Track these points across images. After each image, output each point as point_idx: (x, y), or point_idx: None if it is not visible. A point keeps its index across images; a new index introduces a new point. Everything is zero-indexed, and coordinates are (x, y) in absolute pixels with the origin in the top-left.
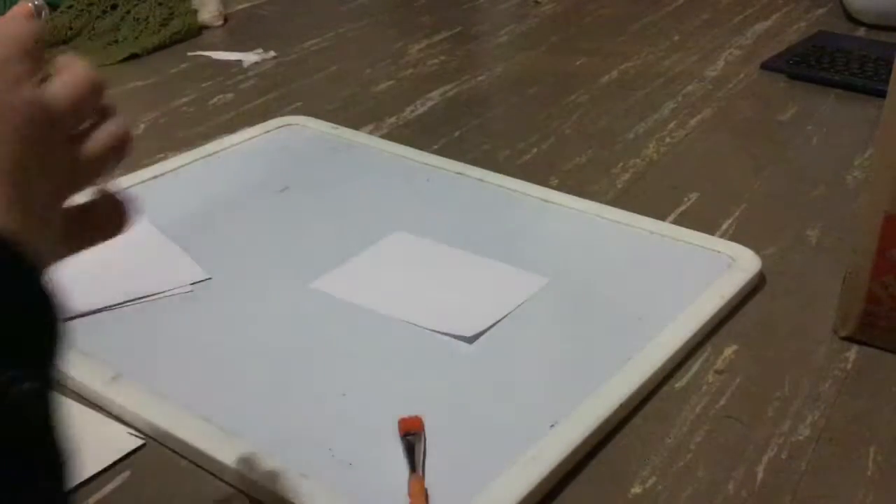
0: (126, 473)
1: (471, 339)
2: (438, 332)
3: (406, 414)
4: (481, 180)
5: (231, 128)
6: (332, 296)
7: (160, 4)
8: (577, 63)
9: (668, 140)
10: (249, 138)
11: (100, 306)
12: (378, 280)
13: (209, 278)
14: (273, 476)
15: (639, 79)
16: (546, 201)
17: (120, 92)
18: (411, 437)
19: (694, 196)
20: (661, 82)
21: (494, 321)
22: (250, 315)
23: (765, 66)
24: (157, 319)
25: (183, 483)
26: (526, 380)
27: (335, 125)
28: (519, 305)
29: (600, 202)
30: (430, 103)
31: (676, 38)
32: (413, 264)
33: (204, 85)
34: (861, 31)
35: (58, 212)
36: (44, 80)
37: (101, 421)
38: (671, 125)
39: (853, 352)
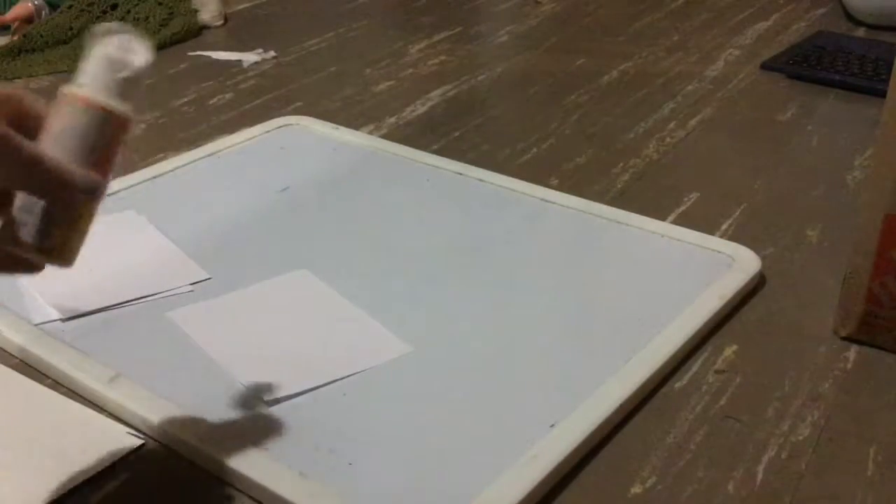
0: (126, 473)
1: (269, 403)
2: (243, 385)
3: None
4: (481, 180)
5: (231, 128)
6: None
7: (160, 4)
8: (577, 63)
9: (668, 140)
10: (249, 138)
11: (100, 306)
12: (234, 321)
13: (209, 278)
14: (273, 476)
15: (639, 79)
16: (546, 201)
17: None
18: None
19: (694, 196)
20: (661, 82)
21: (301, 390)
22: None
23: (765, 66)
24: (157, 319)
25: (183, 483)
26: (526, 380)
27: (335, 125)
28: (348, 375)
29: (600, 202)
30: (430, 103)
31: (676, 38)
32: (284, 310)
33: (204, 85)
34: (861, 31)
35: None
36: None
37: (101, 421)
38: (671, 125)
39: (853, 352)
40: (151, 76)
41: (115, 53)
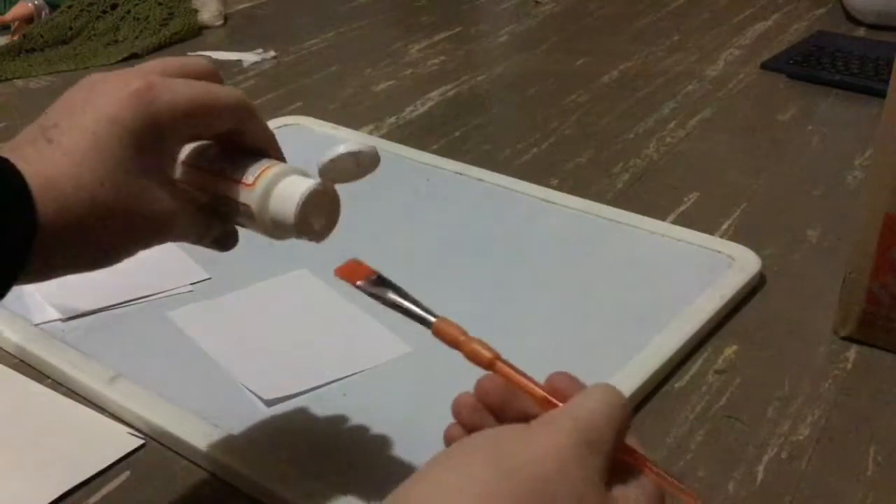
0: (126, 473)
1: (269, 403)
2: (243, 385)
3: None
4: (481, 180)
5: None
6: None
7: (160, 4)
8: (577, 63)
9: (668, 140)
10: None
11: (100, 306)
12: (234, 321)
13: (209, 278)
14: (273, 476)
15: (639, 79)
16: (546, 201)
17: None
18: (375, 280)
19: (694, 196)
20: (661, 82)
21: (301, 390)
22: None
23: (765, 66)
24: (157, 319)
25: (183, 483)
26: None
27: (335, 125)
28: (352, 374)
29: (600, 202)
30: (430, 103)
31: (676, 38)
32: (284, 310)
33: None
34: (861, 31)
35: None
36: None
37: (101, 421)
38: (671, 125)
39: (853, 352)
40: None
41: (300, 214)
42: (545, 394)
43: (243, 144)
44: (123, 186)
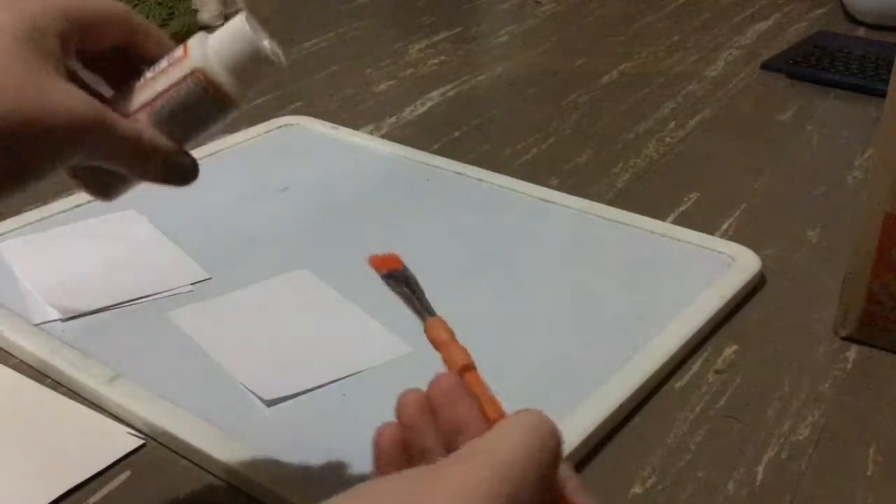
0: (126, 473)
1: (269, 403)
2: (243, 385)
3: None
4: (481, 180)
5: (231, 128)
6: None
7: (160, 4)
8: (577, 63)
9: (668, 140)
10: (249, 138)
11: (100, 306)
12: (234, 321)
13: (209, 278)
14: (273, 476)
15: (639, 79)
16: (546, 201)
17: None
18: (397, 274)
19: (694, 196)
20: (661, 82)
21: (301, 390)
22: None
23: (765, 66)
24: (157, 319)
25: (183, 483)
26: (526, 380)
27: (335, 125)
28: (352, 374)
29: (600, 202)
30: (430, 103)
31: (676, 38)
32: (284, 310)
33: None
34: (861, 31)
35: None
36: None
37: (101, 421)
38: (671, 125)
39: (853, 352)
40: None
41: (252, 34)
42: (498, 416)
43: (145, 58)
44: (32, 85)
